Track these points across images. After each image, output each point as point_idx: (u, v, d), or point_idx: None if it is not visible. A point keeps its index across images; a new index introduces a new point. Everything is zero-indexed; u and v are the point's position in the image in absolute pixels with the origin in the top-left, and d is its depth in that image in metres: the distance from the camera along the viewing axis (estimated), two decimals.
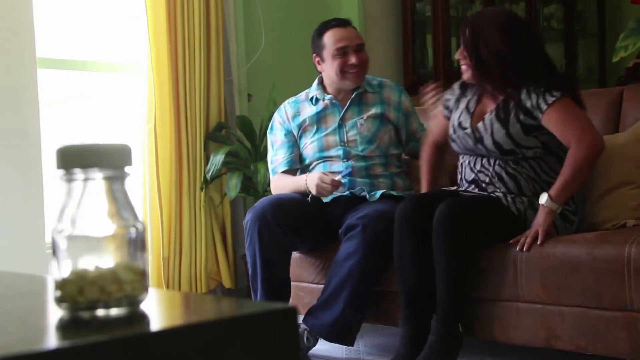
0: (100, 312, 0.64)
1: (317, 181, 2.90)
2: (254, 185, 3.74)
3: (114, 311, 0.65)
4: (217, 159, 3.68)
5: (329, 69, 3.06)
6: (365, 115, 3.07)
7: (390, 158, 3.09)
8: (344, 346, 2.89)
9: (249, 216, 2.89)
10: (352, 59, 3.02)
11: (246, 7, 4.10)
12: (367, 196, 3.00)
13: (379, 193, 3.00)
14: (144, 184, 3.66)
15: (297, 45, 4.11)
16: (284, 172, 3.13)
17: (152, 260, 3.62)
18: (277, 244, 2.86)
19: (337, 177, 2.90)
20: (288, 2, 4.32)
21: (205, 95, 3.83)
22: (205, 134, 3.83)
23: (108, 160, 0.65)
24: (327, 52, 3.05)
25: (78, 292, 0.64)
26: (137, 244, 0.67)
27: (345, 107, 3.09)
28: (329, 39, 3.04)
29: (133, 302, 0.66)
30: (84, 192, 0.66)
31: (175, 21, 3.70)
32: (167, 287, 3.64)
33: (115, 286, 0.65)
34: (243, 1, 4.08)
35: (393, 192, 3.03)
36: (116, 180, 0.67)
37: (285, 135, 3.15)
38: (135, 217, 0.68)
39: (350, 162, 3.02)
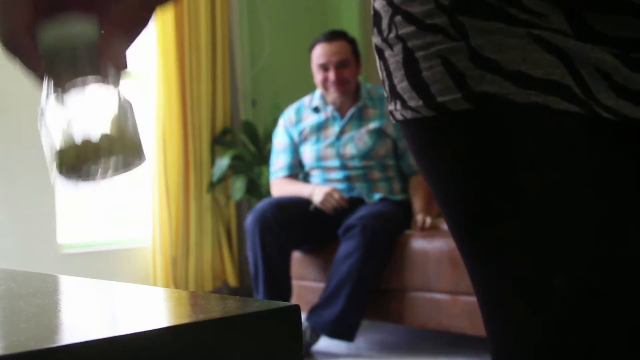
0: (98, 177, 0.65)
1: (327, 190, 3.00)
2: (258, 188, 3.82)
3: (111, 174, 0.65)
4: (223, 162, 3.77)
5: (316, 82, 3.17)
6: (363, 130, 3.12)
7: (387, 166, 3.16)
8: (345, 342, 2.95)
9: (250, 218, 2.97)
10: (330, 76, 3.09)
11: (251, 16, 4.17)
12: (366, 199, 3.10)
13: (377, 195, 3.10)
14: (153, 186, 3.75)
15: (300, 53, 4.18)
16: (286, 177, 3.22)
17: (161, 260, 3.71)
18: (278, 244, 2.94)
19: (346, 198, 3.02)
20: (292, 11, 4.38)
21: (211, 101, 3.92)
22: (211, 139, 3.91)
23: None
24: (313, 67, 3.16)
25: (75, 159, 0.64)
26: (127, 111, 0.66)
27: (345, 120, 3.16)
28: (314, 54, 3.14)
29: (128, 165, 0.65)
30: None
31: (182, 31, 3.79)
32: (176, 285, 3.72)
33: (110, 151, 0.64)
34: (248, 10, 4.15)
35: (391, 197, 3.11)
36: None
37: (287, 140, 3.24)
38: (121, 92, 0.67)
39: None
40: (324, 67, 3.11)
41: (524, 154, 0.72)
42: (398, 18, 0.78)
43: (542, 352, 0.73)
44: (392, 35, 0.80)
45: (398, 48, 0.79)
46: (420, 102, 0.77)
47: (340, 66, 3.11)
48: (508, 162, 0.73)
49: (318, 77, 3.14)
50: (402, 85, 0.80)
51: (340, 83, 3.10)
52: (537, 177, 0.71)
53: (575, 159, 0.71)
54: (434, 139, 0.78)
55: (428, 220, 2.97)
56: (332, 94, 3.13)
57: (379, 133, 3.12)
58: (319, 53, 3.12)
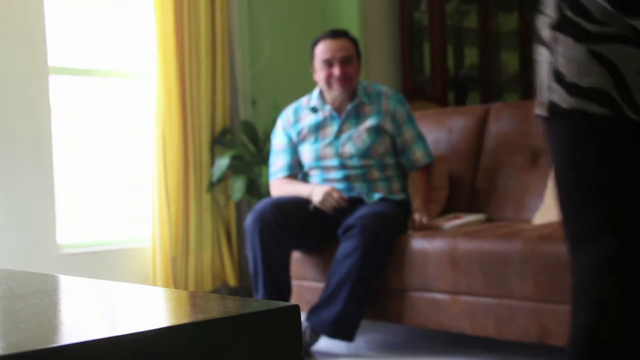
0: None
1: (327, 189, 3.00)
2: (258, 188, 3.82)
3: None
4: (223, 162, 3.77)
5: (318, 79, 3.17)
6: (361, 128, 3.13)
7: (386, 165, 3.17)
8: (345, 342, 2.95)
9: (250, 218, 2.98)
10: (335, 71, 3.10)
11: (251, 17, 4.17)
12: (366, 198, 3.10)
13: (377, 195, 3.10)
14: (152, 186, 3.75)
15: (299, 53, 4.19)
16: (285, 177, 3.22)
17: (161, 260, 3.71)
18: (278, 244, 2.94)
19: (345, 198, 3.02)
20: (291, 11, 4.39)
21: (211, 101, 3.92)
22: (211, 139, 3.92)
23: None
24: (317, 63, 3.16)
25: None
26: None
27: (342, 119, 3.16)
28: (318, 50, 3.15)
29: None
30: None
31: (182, 31, 3.79)
32: (175, 286, 3.72)
33: None
34: (248, 10, 4.15)
35: (391, 197, 3.11)
36: None
37: (286, 140, 3.24)
38: None
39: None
40: (329, 63, 3.11)
41: (573, 153, 0.89)
42: (541, 20, 0.97)
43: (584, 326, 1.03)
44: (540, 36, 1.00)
45: (538, 50, 0.98)
46: (538, 102, 0.96)
47: (344, 62, 3.12)
48: (566, 159, 0.92)
49: (321, 73, 3.14)
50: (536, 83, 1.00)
51: (345, 79, 3.11)
52: (584, 173, 0.91)
53: (608, 156, 0.88)
54: (544, 132, 0.99)
55: (424, 219, 2.98)
56: (335, 91, 3.14)
57: (377, 131, 3.13)
58: (323, 49, 3.13)
